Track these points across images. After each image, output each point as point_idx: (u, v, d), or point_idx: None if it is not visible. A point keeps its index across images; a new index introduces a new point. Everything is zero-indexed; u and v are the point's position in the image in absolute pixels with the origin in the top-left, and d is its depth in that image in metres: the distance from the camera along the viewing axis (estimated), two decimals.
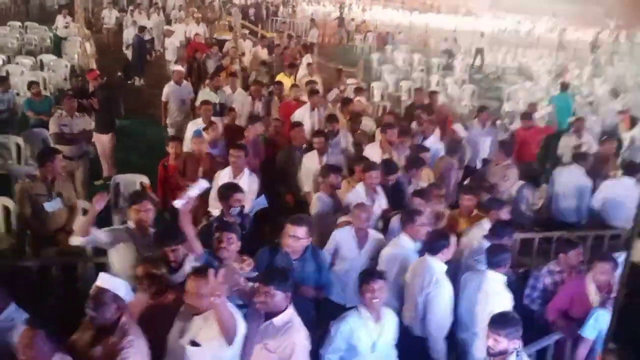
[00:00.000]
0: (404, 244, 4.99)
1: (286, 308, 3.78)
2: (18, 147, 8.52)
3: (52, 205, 5.74)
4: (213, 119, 8.08)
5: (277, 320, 3.73)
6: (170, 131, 9.84)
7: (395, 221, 5.45)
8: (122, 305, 3.57)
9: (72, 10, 19.47)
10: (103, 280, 3.61)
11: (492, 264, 4.63)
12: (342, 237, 5.19)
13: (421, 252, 4.88)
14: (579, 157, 7.84)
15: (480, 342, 4.39)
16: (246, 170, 6.21)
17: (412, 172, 6.52)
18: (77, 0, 19.94)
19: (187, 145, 7.47)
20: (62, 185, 5.84)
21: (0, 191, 7.36)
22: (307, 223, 4.57)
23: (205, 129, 7.54)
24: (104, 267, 5.38)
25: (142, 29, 15.94)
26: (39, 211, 5.73)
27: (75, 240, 4.56)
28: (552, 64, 23.10)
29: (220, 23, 16.31)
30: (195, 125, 8.01)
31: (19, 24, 17.73)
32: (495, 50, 25.07)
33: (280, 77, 11.29)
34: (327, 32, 26.26)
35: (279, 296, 3.72)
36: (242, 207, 5.25)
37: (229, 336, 3.48)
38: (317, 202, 5.87)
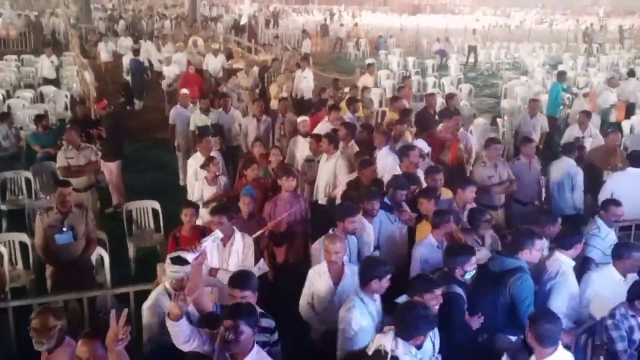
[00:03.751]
0: (564, 260, 4.97)
1: (252, 347, 3.53)
2: (28, 181, 8.59)
3: (62, 238, 5.78)
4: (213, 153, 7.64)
5: None
6: (179, 155, 9.99)
7: None
8: None
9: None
10: None
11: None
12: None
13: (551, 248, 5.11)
14: (565, 148, 7.89)
15: None
16: (237, 234, 5.22)
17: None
18: (71, 30, 20.01)
19: (192, 192, 7.11)
20: (75, 218, 5.88)
21: (15, 227, 7.47)
22: None
23: (203, 165, 7.03)
24: (122, 298, 5.55)
25: (136, 52, 16.06)
26: (51, 243, 5.78)
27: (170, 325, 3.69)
28: (545, 56, 23.22)
29: (234, 50, 16.02)
30: (196, 160, 7.40)
31: (14, 57, 17.84)
32: (488, 47, 25.22)
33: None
34: (319, 42, 26.41)
35: (247, 333, 3.45)
36: None
37: None
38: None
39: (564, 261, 4.92)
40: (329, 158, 7.26)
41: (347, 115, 9.27)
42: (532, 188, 7.60)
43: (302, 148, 8.04)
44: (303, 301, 4.86)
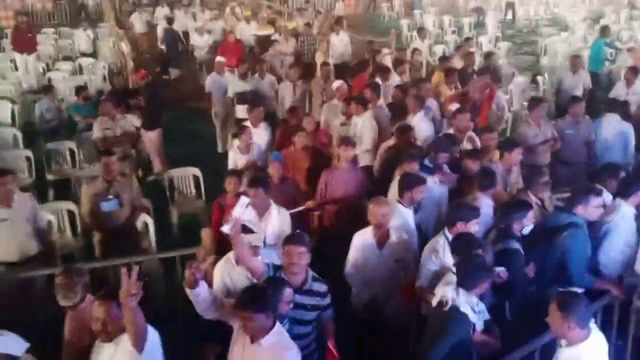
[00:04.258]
0: (624, 207, 4.99)
1: (273, 325, 3.53)
2: (71, 151, 8.79)
3: (108, 206, 5.90)
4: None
5: (265, 341, 3.49)
6: (216, 122, 10.07)
7: None
8: None
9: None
10: None
11: None
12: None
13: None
14: (610, 105, 7.73)
15: None
16: (273, 208, 5.13)
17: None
18: (104, 1, 20.06)
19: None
20: (120, 186, 6.00)
21: (61, 196, 7.69)
22: None
23: (235, 134, 7.09)
24: (168, 262, 5.68)
25: (170, 20, 16.05)
26: (97, 211, 5.92)
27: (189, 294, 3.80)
28: (586, 11, 22.40)
29: (260, 16, 15.71)
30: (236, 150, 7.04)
31: (52, 30, 18.04)
32: (527, 3, 24.35)
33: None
34: (352, 3, 25.91)
35: (260, 319, 3.45)
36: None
37: (139, 342, 3.36)
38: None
39: (623, 207, 4.88)
40: (358, 119, 7.29)
41: (395, 78, 9.22)
42: (579, 149, 7.31)
43: (337, 113, 8.02)
44: (349, 266, 4.87)
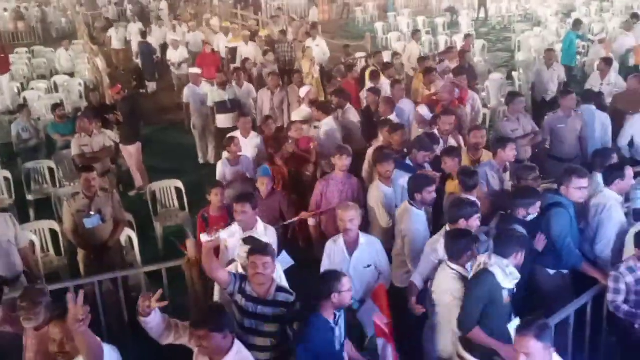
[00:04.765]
0: (611, 195, 4.99)
1: (231, 346, 3.42)
2: (51, 170, 8.70)
3: (91, 222, 5.84)
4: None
5: None
6: (195, 133, 10.05)
7: None
8: None
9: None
10: None
11: None
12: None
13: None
14: (584, 96, 7.77)
15: None
16: (260, 225, 5.01)
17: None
18: (78, 17, 19.92)
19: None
20: (101, 202, 5.94)
21: (43, 215, 7.61)
22: None
23: (225, 146, 6.96)
24: (154, 275, 5.63)
25: (144, 34, 15.96)
26: (80, 228, 5.86)
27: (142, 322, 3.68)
28: (558, 5, 22.70)
29: (232, 27, 15.54)
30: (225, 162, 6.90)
31: (25, 49, 17.87)
32: (498, 0, 24.63)
33: None
34: (326, 9, 25.97)
35: (216, 338, 3.34)
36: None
37: None
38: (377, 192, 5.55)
39: (610, 197, 4.93)
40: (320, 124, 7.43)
41: (384, 81, 9.30)
42: (570, 144, 7.12)
43: (305, 118, 8.07)
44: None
